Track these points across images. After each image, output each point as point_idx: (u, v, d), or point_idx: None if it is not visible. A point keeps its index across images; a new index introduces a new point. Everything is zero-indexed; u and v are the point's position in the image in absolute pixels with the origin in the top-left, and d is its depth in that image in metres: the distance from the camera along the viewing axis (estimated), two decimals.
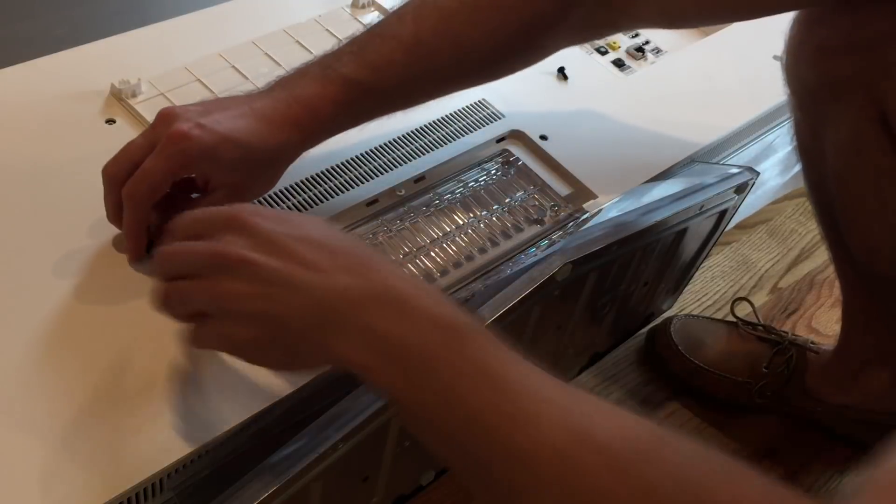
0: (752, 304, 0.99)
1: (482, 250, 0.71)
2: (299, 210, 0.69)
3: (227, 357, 0.58)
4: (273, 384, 0.57)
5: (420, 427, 0.45)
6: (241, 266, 0.45)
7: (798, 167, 1.09)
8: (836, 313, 1.06)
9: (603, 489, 0.39)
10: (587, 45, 0.94)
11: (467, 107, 0.81)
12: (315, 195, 0.70)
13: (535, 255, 0.70)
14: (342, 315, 0.44)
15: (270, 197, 0.69)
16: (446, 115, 0.79)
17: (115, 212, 0.58)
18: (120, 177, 0.57)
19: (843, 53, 0.63)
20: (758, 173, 0.82)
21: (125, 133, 0.72)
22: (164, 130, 0.56)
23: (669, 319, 0.98)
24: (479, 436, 0.42)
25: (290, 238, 0.46)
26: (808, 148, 0.75)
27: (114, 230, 0.63)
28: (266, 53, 0.81)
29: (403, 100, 0.65)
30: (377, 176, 0.73)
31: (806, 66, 0.67)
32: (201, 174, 0.58)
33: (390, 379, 0.44)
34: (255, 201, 0.67)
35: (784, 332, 0.95)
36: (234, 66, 0.79)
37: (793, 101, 0.72)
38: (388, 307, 0.44)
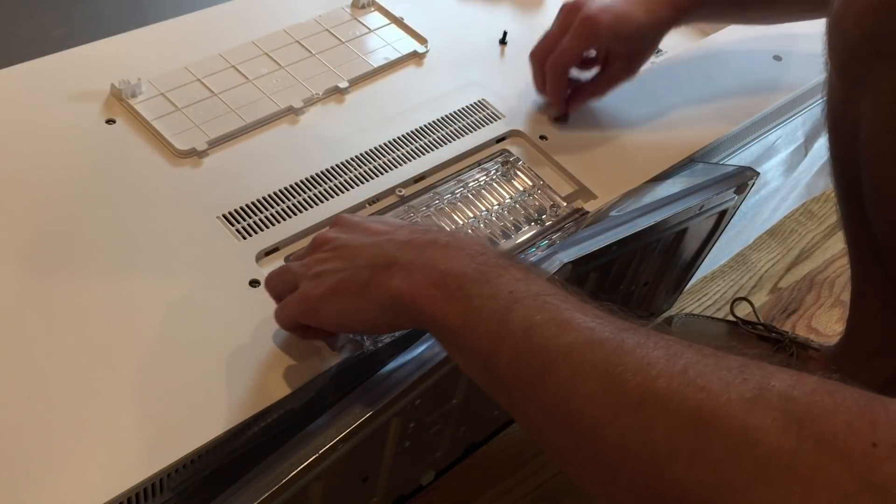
0: (751, 304, 0.99)
1: None
2: (300, 210, 0.69)
3: (226, 357, 0.58)
4: (272, 384, 0.58)
5: (472, 359, 0.48)
6: (326, 242, 0.56)
7: (803, 175, 1.10)
8: (836, 313, 1.06)
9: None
10: None
11: (467, 107, 0.81)
12: (315, 195, 0.70)
13: (535, 255, 0.70)
14: (406, 256, 0.51)
15: (282, 192, 0.69)
16: (446, 115, 0.79)
17: (541, 82, 0.79)
18: (542, 56, 0.77)
19: (893, 6, 0.62)
20: (758, 173, 0.82)
21: (125, 133, 0.72)
22: (575, 17, 0.74)
23: (670, 319, 0.98)
24: (534, 346, 0.44)
25: (368, 220, 0.57)
26: (840, 116, 0.73)
27: (118, 232, 0.64)
28: (266, 53, 0.81)
29: (738, 12, 0.85)
30: (377, 176, 0.73)
31: (853, 20, 0.66)
32: (604, 48, 0.76)
33: (447, 308, 0.48)
34: None
35: (784, 331, 0.95)
36: (234, 66, 0.79)
37: (831, 62, 0.71)
38: (445, 249, 0.50)
